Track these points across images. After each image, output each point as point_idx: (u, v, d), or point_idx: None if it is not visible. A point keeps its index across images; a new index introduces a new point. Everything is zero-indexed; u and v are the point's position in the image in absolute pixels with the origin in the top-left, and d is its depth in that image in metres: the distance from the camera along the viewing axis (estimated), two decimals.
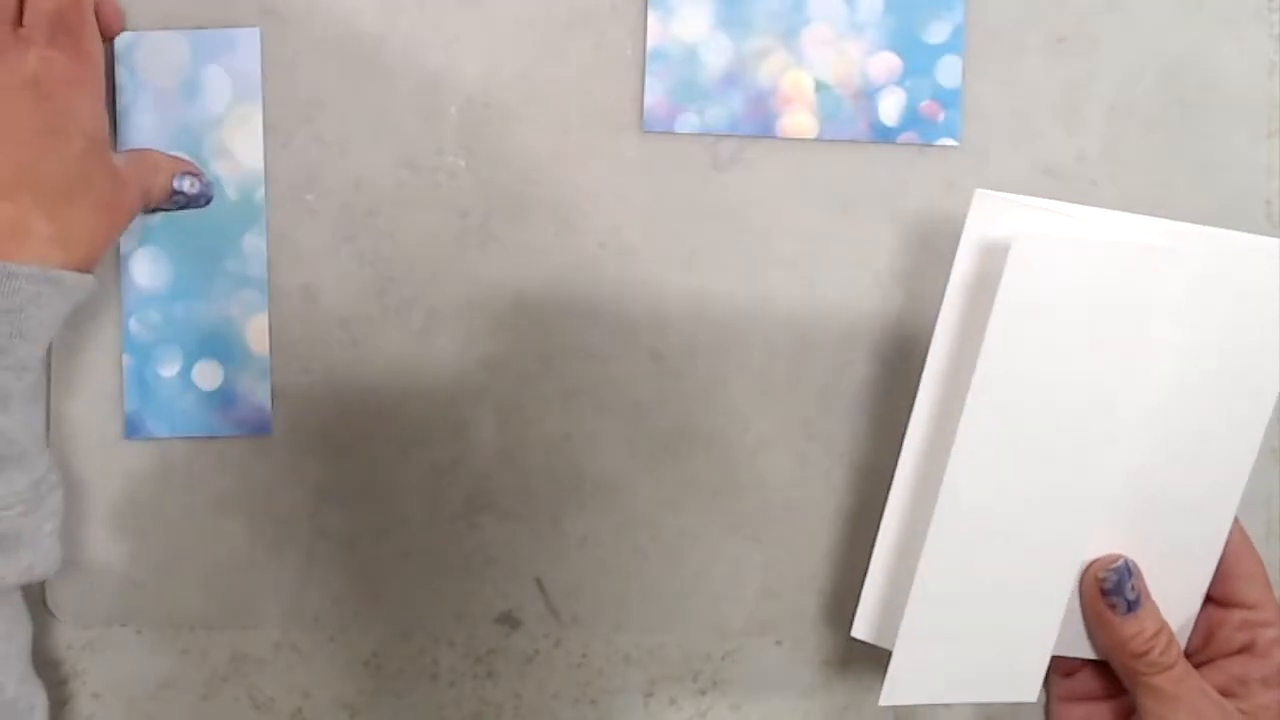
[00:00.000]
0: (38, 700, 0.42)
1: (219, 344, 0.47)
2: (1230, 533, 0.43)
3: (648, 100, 0.48)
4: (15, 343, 0.40)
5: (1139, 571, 0.42)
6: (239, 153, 0.47)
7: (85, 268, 0.42)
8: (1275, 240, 0.41)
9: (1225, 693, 0.42)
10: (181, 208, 0.47)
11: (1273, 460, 0.50)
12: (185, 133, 0.47)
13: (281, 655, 0.49)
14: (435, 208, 0.48)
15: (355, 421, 0.48)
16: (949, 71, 0.48)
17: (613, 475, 0.49)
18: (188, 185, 0.47)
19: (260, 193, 0.47)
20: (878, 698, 0.42)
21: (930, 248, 0.48)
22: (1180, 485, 0.42)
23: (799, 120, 0.48)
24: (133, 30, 0.47)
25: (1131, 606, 0.42)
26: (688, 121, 0.48)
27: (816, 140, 0.48)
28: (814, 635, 0.50)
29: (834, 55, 0.48)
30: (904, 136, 0.48)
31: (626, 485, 0.49)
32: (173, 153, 0.47)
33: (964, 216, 0.39)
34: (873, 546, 0.43)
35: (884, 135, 0.48)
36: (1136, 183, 0.49)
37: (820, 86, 0.48)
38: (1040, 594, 0.42)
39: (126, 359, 0.47)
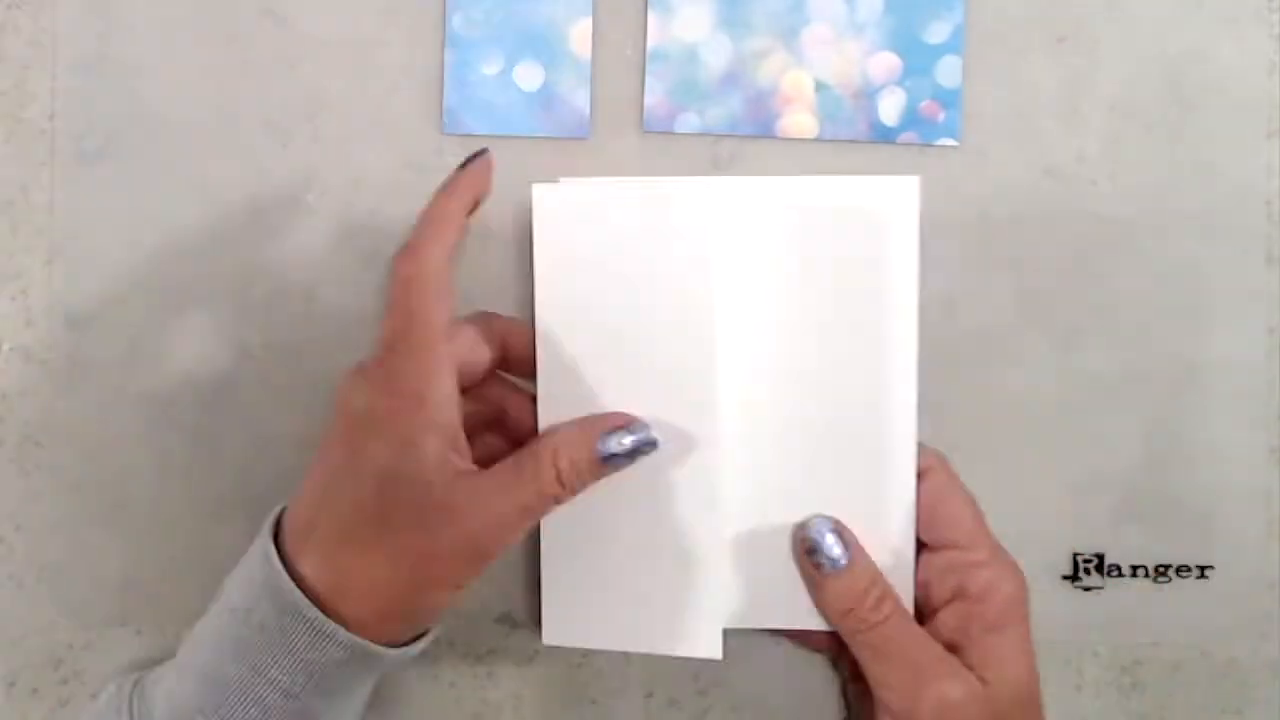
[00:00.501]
0: None
1: (541, 45, 0.47)
2: (931, 477, 0.42)
3: (648, 100, 0.48)
4: (310, 694, 0.38)
5: (842, 527, 0.41)
6: None
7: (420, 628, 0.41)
8: (910, 178, 0.43)
9: (952, 646, 0.40)
10: (632, 459, 0.40)
11: (1273, 460, 0.50)
12: None
13: None
14: None
15: None
16: (949, 71, 0.48)
17: None
18: (621, 443, 0.40)
19: None
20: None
21: (929, 247, 0.48)
22: (854, 438, 0.42)
23: (799, 120, 0.48)
24: None
25: (836, 564, 0.41)
26: (688, 121, 0.48)
27: (816, 140, 0.48)
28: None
29: (834, 55, 0.48)
30: (904, 136, 0.48)
31: None
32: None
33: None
34: None
35: (884, 135, 0.48)
36: (1136, 183, 0.49)
37: (820, 86, 0.48)
38: (688, 555, 0.43)
39: (448, 54, 0.47)
